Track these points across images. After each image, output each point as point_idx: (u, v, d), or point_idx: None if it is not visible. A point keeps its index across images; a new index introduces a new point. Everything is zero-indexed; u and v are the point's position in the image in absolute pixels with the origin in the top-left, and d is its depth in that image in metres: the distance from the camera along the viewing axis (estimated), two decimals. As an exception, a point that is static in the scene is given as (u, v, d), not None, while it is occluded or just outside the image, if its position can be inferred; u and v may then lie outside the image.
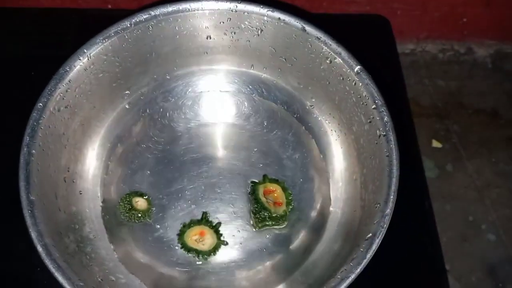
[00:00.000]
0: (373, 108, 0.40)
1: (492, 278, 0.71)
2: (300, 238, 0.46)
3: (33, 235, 0.35)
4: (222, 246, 0.45)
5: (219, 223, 0.46)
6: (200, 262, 0.44)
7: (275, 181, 0.47)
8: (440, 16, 0.79)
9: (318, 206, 0.47)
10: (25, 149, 0.37)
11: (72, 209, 0.42)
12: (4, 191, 0.46)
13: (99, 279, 0.39)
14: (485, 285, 0.71)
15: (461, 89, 0.83)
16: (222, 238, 0.45)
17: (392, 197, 0.36)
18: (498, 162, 0.79)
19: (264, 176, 0.48)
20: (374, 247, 0.34)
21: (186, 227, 0.45)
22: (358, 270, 0.34)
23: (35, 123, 0.38)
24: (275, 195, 0.47)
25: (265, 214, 0.45)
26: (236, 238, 0.45)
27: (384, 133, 0.39)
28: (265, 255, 0.45)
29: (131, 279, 0.42)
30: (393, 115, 0.40)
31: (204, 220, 0.46)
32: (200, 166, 0.48)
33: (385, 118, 0.39)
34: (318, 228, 0.46)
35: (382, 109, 0.40)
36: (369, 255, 0.34)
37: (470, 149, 0.79)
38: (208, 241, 0.44)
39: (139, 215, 0.45)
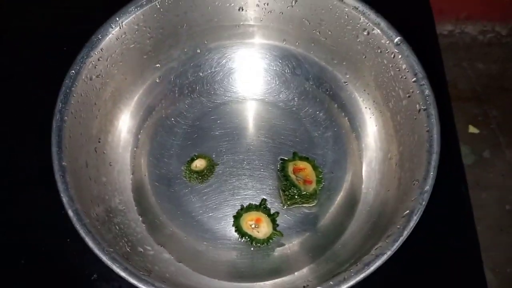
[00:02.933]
0: (413, 82, 0.38)
1: (529, 271, 0.68)
2: (330, 218, 0.45)
3: (65, 200, 0.35)
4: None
5: (277, 213, 0.44)
6: (235, 240, 0.43)
7: (306, 158, 0.46)
8: (483, -6, 0.75)
9: (349, 185, 0.46)
10: (58, 115, 0.37)
11: (102, 179, 0.42)
12: (34, 161, 0.47)
13: (128, 249, 0.39)
14: (522, 278, 0.67)
15: (503, 72, 0.79)
16: (277, 229, 0.44)
17: (432, 173, 0.34)
18: (540, 150, 0.75)
19: (294, 153, 0.47)
20: (412, 224, 0.33)
21: (243, 210, 0.44)
22: (394, 247, 0.32)
23: (67, 90, 0.38)
24: (305, 173, 0.46)
25: (295, 191, 0.44)
26: (264, 215, 0.44)
27: (425, 107, 0.37)
28: (294, 233, 0.44)
29: (159, 251, 0.42)
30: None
31: (263, 207, 0.44)
32: (229, 142, 0.48)
33: (426, 92, 0.37)
34: (349, 207, 0.44)
35: (423, 82, 0.37)
36: (406, 232, 0.33)
37: (510, 136, 0.75)
38: (264, 229, 0.43)
39: (208, 172, 0.46)
